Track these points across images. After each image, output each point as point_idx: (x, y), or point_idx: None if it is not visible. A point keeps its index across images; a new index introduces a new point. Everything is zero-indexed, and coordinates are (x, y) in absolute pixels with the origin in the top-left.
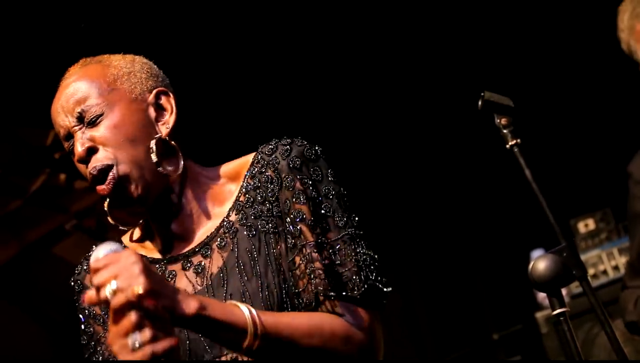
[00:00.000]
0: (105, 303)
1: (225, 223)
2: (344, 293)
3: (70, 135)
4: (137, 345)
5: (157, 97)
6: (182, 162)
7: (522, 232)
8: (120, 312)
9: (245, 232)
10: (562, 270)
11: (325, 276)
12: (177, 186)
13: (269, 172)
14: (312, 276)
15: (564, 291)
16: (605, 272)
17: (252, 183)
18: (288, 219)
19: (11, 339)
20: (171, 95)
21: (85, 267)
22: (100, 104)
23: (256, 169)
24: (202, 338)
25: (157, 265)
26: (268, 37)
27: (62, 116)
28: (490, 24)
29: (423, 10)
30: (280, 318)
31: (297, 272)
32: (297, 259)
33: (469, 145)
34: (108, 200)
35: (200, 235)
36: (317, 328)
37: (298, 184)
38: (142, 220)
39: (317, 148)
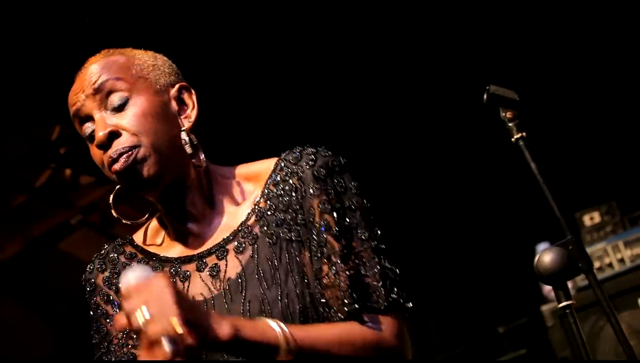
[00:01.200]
0: (137, 330)
1: (243, 227)
2: (368, 304)
3: (87, 119)
4: None
5: (180, 91)
6: (203, 156)
7: (528, 226)
8: (154, 341)
9: (266, 239)
10: (567, 263)
11: (351, 286)
12: (194, 182)
13: (294, 181)
14: (338, 286)
15: (569, 284)
16: (610, 265)
17: (274, 190)
18: (313, 228)
19: (16, 334)
20: (192, 91)
21: (97, 266)
22: (125, 91)
23: (279, 177)
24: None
25: (170, 265)
26: (267, 37)
27: (83, 99)
28: (495, 18)
29: (430, 5)
30: (311, 331)
31: (324, 281)
32: (325, 268)
33: (474, 139)
34: (119, 179)
35: (216, 236)
36: (348, 337)
37: (323, 194)
38: (156, 217)
39: (341, 159)
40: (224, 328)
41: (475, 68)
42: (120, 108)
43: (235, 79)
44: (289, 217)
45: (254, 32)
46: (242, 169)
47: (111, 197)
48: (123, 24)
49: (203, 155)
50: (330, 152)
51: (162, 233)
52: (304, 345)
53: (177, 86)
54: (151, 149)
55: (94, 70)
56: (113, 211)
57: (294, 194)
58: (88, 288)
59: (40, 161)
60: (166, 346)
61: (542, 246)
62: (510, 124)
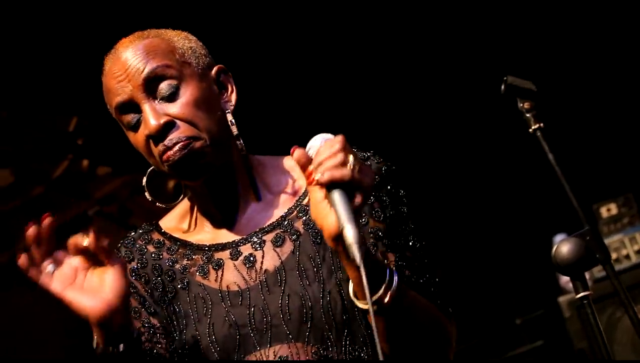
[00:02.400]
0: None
1: (284, 220)
2: None
3: (132, 108)
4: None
5: (219, 75)
6: (241, 141)
7: (545, 217)
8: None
9: (310, 238)
10: (585, 254)
11: None
12: (235, 167)
13: None
14: None
15: (586, 276)
16: (627, 257)
17: None
18: (364, 234)
19: (31, 325)
20: (229, 73)
21: (124, 255)
22: (175, 78)
23: None
24: (251, 335)
25: (202, 252)
26: (281, 30)
27: (130, 88)
28: (513, 8)
29: None
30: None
31: None
32: None
33: (491, 130)
34: (171, 168)
35: (252, 224)
36: (433, 308)
37: (376, 201)
38: (183, 201)
39: (393, 166)
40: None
41: (492, 59)
42: (171, 96)
43: (252, 67)
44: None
45: (270, 22)
46: (284, 161)
47: (144, 179)
48: (135, 15)
49: (241, 139)
50: (381, 158)
51: (189, 218)
52: (403, 291)
53: (215, 69)
54: (207, 139)
55: (137, 56)
56: (147, 194)
57: None
58: None
59: (58, 152)
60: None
61: (559, 237)
62: (527, 115)
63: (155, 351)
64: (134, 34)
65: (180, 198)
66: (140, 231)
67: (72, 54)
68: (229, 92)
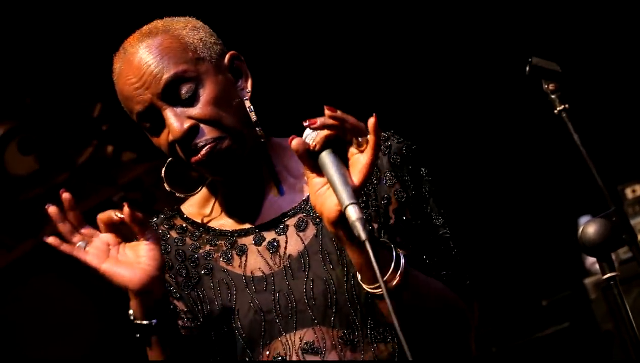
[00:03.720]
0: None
1: (307, 204)
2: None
3: (152, 114)
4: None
5: (232, 62)
6: (260, 128)
7: (570, 198)
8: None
9: None
10: (611, 234)
11: (425, 272)
12: (255, 155)
13: None
14: None
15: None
16: None
17: None
18: (387, 215)
19: (59, 313)
20: (242, 58)
21: None
22: (192, 81)
23: None
24: (276, 321)
25: (225, 238)
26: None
27: (148, 96)
28: None
29: None
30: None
31: None
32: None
33: (516, 111)
34: (199, 168)
35: (275, 209)
36: (446, 290)
37: (398, 182)
38: (205, 186)
39: (414, 145)
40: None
41: (516, 40)
42: (191, 99)
43: (262, 47)
44: (360, 201)
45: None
46: None
47: (163, 170)
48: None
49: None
50: (402, 138)
51: (211, 203)
52: (412, 272)
53: (228, 56)
54: (232, 136)
55: (152, 60)
56: (166, 185)
57: None
58: None
59: (82, 138)
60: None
61: (584, 219)
62: (552, 96)
63: (183, 334)
64: (140, 30)
65: (199, 189)
66: (163, 216)
67: (95, 39)
68: (244, 78)
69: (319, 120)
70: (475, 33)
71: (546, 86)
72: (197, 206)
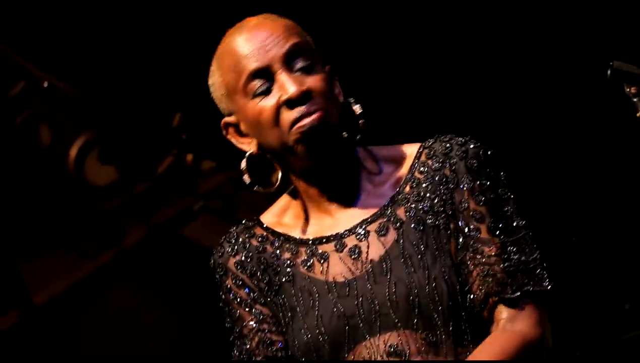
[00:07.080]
0: None
1: (386, 210)
2: (518, 294)
3: (264, 75)
4: None
5: (331, 74)
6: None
7: None
8: None
9: (412, 226)
10: None
11: (500, 276)
12: (341, 158)
13: (445, 171)
14: (485, 276)
15: None
16: None
17: (420, 177)
18: (464, 219)
19: (139, 324)
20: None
21: (228, 249)
22: (310, 57)
23: (427, 164)
24: (360, 325)
25: (306, 247)
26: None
27: (269, 57)
28: None
29: None
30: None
31: (471, 270)
32: (474, 257)
33: (596, 115)
34: (304, 135)
35: (355, 215)
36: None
37: (476, 186)
38: (284, 195)
39: (490, 150)
40: None
41: (595, 43)
42: (308, 69)
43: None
44: (437, 205)
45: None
46: (382, 151)
47: (243, 163)
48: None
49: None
50: (478, 142)
51: (290, 212)
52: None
53: (327, 68)
54: (335, 118)
55: (277, 30)
56: (246, 176)
57: (444, 184)
58: (219, 272)
59: (162, 148)
60: None
61: None
62: (635, 100)
63: (262, 337)
64: (262, 14)
65: (276, 184)
66: (242, 226)
67: (175, 50)
68: (337, 90)
69: None
70: (554, 36)
71: (628, 90)
72: (276, 216)
